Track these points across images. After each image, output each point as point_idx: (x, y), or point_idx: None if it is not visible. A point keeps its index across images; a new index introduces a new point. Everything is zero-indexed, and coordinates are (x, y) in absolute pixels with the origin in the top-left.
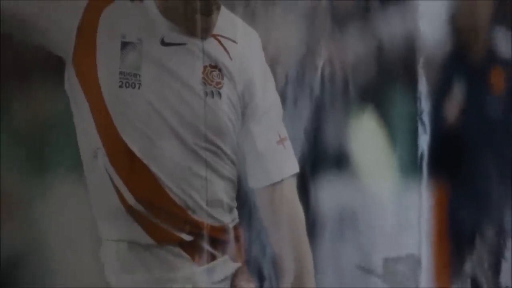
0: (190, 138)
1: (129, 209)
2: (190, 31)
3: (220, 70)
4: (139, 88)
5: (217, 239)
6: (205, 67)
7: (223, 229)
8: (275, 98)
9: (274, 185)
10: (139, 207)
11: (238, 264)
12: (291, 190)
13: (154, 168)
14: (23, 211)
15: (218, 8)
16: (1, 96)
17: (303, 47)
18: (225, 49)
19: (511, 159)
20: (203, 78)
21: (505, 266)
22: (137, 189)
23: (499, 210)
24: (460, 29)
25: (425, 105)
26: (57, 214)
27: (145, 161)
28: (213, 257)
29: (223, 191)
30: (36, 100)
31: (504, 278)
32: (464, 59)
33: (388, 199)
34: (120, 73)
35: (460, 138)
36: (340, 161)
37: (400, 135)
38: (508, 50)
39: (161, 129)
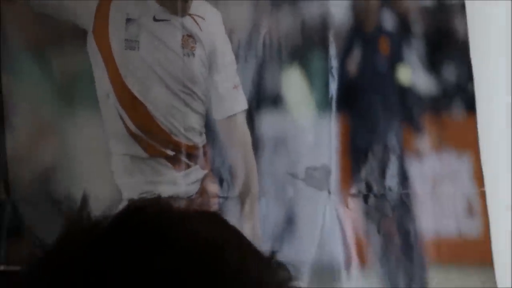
0: (173, 85)
1: (131, 133)
2: (174, 11)
3: (193, 38)
4: (138, 50)
5: (191, 154)
6: (183, 36)
7: (195, 147)
8: (231, 57)
9: (230, 117)
10: (137, 132)
11: (205, 171)
12: (242, 120)
13: (148, 105)
14: (56, 135)
15: None
16: (44, 57)
17: (250, 22)
18: (197, 23)
19: (391, 98)
20: (182, 43)
21: (388, 173)
22: (136, 119)
23: (385, 134)
24: (358, 11)
25: (334, 63)
26: (81, 137)
27: (142, 100)
28: (188, 166)
29: (195, 121)
30: (68, 58)
31: (387, 182)
32: (361, 31)
33: (309, 127)
34: (125, 40)
35: (358, 85)
36: (275, 101)
37: (317, 83)
38: (391, 25)
39: (152, 78)
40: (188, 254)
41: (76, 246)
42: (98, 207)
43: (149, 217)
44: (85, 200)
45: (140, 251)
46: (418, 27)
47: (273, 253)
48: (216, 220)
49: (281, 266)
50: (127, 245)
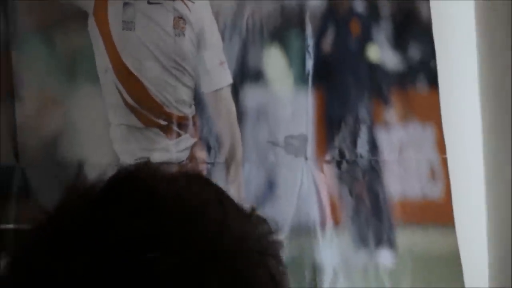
0: (165, 62)
1: (127, 105)
2: None
3: (184, 19)
4: (134, 30)
5: (182, 124)
6: (174, 17)
7: (185, 118)
8: (218, 37)
9: (216, 91)
10: (133, 104)
11: (194, 139)
12: (227, 94)
13: (143, 80)
14: (60, 106)
15: None
16: (50, 36)
17: (235, 5)
18: (187, 6)
19: (362, 74)
20: (173, 24)
21: (359, 141)
22: (132, 92)
23: (356, 106)
24: None
25: (310, 42)
26: (82, 108)
27: (137, 75)
28: (179, 135)
29: (185, 94)
30: (71, 38)
31: (358, 149)
32: (334, 14)
33: (287, 100)
34: (122, 21)
35: (331, 62)
36: (257, 76)
37: (295, 60)
38: (361, 8)
39: (147, 56)
40: (171, 213)
41: (73, 210)
42: (98, 171)
43: (138, 181)
44: (80, 167)
45: (128, 212)
46: (385, 10)
47: (253, 209)
48: (200, 180)
49: (261, 220)
50: (117, 206)
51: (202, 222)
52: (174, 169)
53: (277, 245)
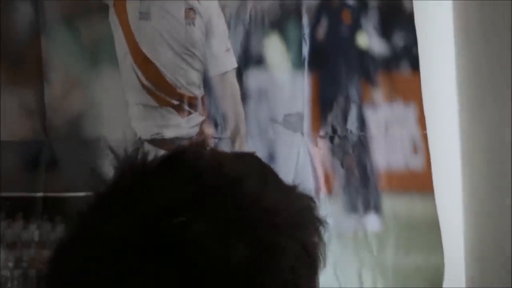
0: (177, 48)
1: (143, 86)
2: None
3: (194, 10)
4: (149, 20)
5: (192, 103)
6: (186, 9)
7: (195, 98)
8: (224, 26)
9: (223, 74)
10: (149, 85)
11: (203, 117)
12: (232, 77)
13: (157, 64)
14: (84, 88)
15: None
16: (75, 26)
17: None
18: None
19: (352, 59)
20: (185, 15)
21: (349, 118)
22: (148, 75)
23: (346, 88)
24: None
25: (306, 31)
26: (104, 89)
27: (152, 60)
28: (189, 113)
29: (195, 77)
30: (93, 27)
31: (349, 126)
32: (327, 5)
33: (286, 82)
34: (139, 12)
35: (325, 49)
36: (259, 61)
37: (292, 47)
38: (352, 0)
39: (161, 43)
40: (208, 185)
41: (128, 180)
42: (118, 145)
43: (183, 158)
44: (138, 146)
45: (172, 183)
46: (373, 2)
47: (296, 186)
48: (247, 158)
49: (302, 196)
50: (164, 179)
51: (236, 194)
52: (185, 143)
53: (314, 219)
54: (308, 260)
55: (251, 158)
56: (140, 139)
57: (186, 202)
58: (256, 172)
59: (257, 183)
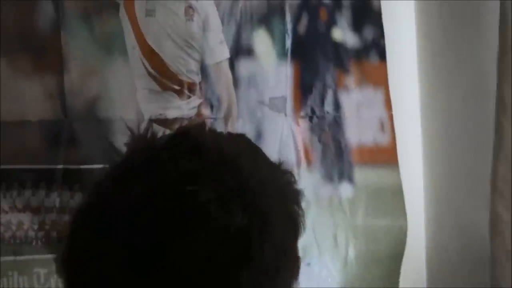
0: (179, 41)
1: (149, 73)
2: None
3: (192, 8)
4: (155, 17)
5: (191, 88)
6: (185, 7)
7: (194, 84)
8: (218, 22)
9: (217, 63)
10: (154, 73)
11: (201, 100)
12: (226, 65)
13: (161, 55)
14: (99, 75)
15: None
16: (90, 21)
17: None
18: None
19: (328, 50)
20: (185, 12)
21: (326, 101)
22: (153, 64)
23: (323, 75)
24: None
25: (289, 26)
26: (116, 77)
27: (157, 51)
28: (189, 97)
29: (194, 66)
30: (106, 22)
31: (325, 107)
32: (307, 4)
33: (271, 71)
34: (146, 9)
35: (305, 41)
36: (248, 52)
37: (277, 40)
38: None
39: (164, 36)
40: (212, 160)
41: (144, 155)
42: (129, 123)
43: (190, 136)
44: (149, 125)
45: (180, 157)
46: (346, 1)
47: (281, 163)
48: (242, 139)
49: (286, 172)
50: (173, 153)
51: (234, 169)
52: (185, 123)
53: (296, 191)
54: (292, 227)
55: (243, 138)
56: (150, 119)
57: (193, 174)
58: (248, 150)
59: (249, 160)
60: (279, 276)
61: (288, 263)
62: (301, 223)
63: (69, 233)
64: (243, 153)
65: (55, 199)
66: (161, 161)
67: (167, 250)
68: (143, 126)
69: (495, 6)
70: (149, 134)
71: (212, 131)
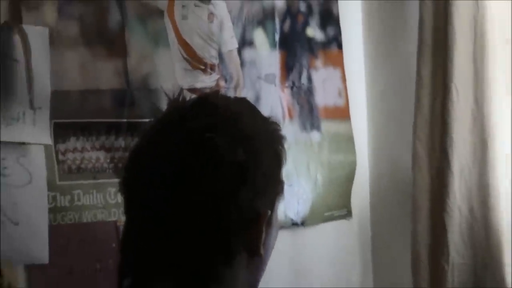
0: (204, 37)
1: (184, 58)
2: (204, 1)
3: (213, 14)
4: (187, 20)
5: (212, 68)
6: (208, 13)
7: (213, 65)
8: (230, 24)
9: (230, 51)
10: (187, 57)
11: (218, 76)
12: (235, 52)
13: (193, 46)
14: (150, 60)
15: None
16: (144, 23)
17: (239, 6)
18: (214, 6)
19: (303, 42)
20: (208, 17)
21: (302, 76)
22: (186, 52)
23: (301, 59)
24: (289, 2)
25: (277, 26)
26: (161, 61)
27: (189, 43)
28: (210, 74)
29: (214, 53)
30: (154, 24)
31: (302, 81)
32: (289, 11)
33: (266, 56)
34: (182, 15)
35: (288, 37)
36: (250, 44)
37: (270, 35)
38: (303, 8)
39: (194, 33)
40: (223, 116)
41: (174, 111)
42: (169, 91)
43: (208, 99)
44: (181, 92)
45: (201, 114)
46: (316, 8)
47: (270, 117)
48: (243, 101)
49: (274, 123)
50: (196, 111)
51: (239, 122)
52: (207, 91)
53: (281, 136)
54: (278, 160)
55: (245, 101)
56: (181, 88)
57: (210, 125)
58: (248, 109)
59: (249, 115)
60: (267, 193)
61: (274, 184)
62: (284, 158)
63: (125, 164)
64: (244, 111)
65: (121, 142)
66: (188, 116)
67: (189, 175)
68: (177, 93)
69: (415, 9)
70: (180, 98)
71: (224, 96)
